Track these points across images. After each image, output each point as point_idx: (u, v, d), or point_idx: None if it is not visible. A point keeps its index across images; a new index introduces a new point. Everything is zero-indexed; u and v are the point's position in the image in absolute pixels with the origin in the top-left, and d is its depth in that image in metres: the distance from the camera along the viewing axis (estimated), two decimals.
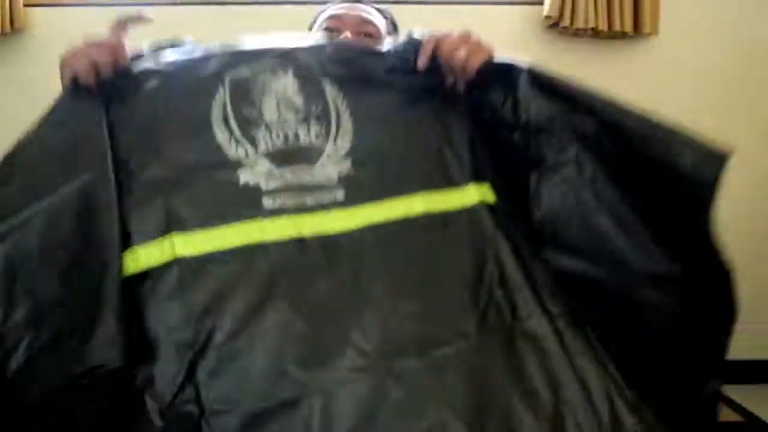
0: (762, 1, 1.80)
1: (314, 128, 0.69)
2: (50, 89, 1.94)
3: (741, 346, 2.08)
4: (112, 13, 1.83)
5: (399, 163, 0.70)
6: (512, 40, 1.78)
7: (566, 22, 1.66)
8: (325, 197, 0.66)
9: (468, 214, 0.69)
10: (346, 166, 0.68)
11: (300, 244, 0.64)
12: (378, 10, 1.02)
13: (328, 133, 0.69)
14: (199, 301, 0.61)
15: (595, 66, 1.80)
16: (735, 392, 1.90)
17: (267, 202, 0.65)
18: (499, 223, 0.69)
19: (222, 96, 0.68)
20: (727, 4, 1.79)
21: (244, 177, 0.66)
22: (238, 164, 0.66)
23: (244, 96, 0.69)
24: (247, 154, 0.67)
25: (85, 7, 1.73)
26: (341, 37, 0.93)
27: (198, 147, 0.67)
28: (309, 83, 0.70)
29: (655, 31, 1.70)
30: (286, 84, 0.70)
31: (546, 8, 1.68)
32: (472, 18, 1.76)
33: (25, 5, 1.67)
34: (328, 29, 0.96)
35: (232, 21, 1.74)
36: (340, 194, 0.67)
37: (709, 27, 1.80)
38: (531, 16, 1.77)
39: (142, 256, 0.63)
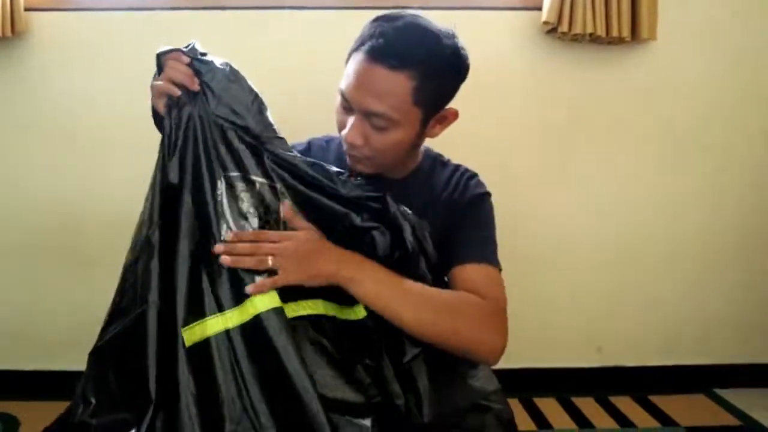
0: (758, 7, 1.81)
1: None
2: (50, 93, 1.96)
3: (740, 351, 2.10)
4: (113, 19, 1.85)
5: None
6: (510, 45, 1.80)
7: (564, 27, 1.66)
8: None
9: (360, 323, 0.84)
10: None
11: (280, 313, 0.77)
12: (404, 60, 0.83)
13: None
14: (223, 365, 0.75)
15: (593, 71, 1.82)
16: (734, 396, 1.90)
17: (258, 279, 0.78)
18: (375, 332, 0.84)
19: (221, 191, 0.81)
20: (724, 10, 1.80)
21: None
22: None
23: (233, 193, 0.82)
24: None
25: (86, 12, 1.73)
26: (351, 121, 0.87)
27: (214, 235, 0.79)
28: (271, 196, 0.84)
29: (653, 36, 1.71)
30: (253, 195, 0.82)
31: (544, 14, 1.68)
32: (471, 23, 1.77)
33: (26, 9, 1.68)
34: (343, 107, 0.90)
35: (232, 25, 1.75)
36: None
37: (706, 32, 1.81)
38: (529, 21, 1.78)
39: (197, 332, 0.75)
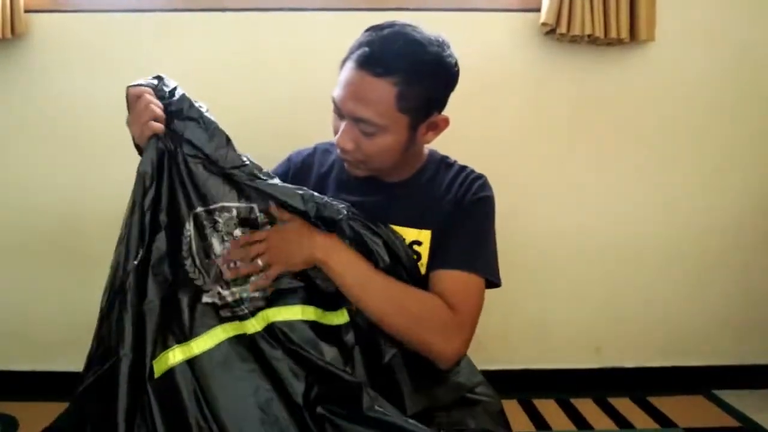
0: (756, 7, 1.81)
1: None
2: (50, 95, 1.96)
3: (739, 352, 2.10)
4: (112, 20, 1.85)
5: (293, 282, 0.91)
6: (510, 46, 1.80)
7: (563, 29, 1.66)
8: (248, 307, 0.86)
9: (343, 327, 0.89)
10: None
11: (240, 339, 0.83)
12: (387, 68, 0.86)
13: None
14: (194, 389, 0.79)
15: (592, 72, 1.82)
16: (733, 397, 1.90)
17: (222, 313, 0.84)
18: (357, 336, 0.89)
19: (189, 230, 0.86)
20: (722, 11, 1.80)
21: (205, 298, 0.84)
22: (200, 289, 0.84)
23: (201, 230, 0.87)
24: (204, 282, 0.85)
25: (85, 13, 1.73)
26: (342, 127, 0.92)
27: (179, 274, 0.84)
28: (248, 216, 0.90)
29: (651, 37, 1.71)
30: (231, 219, 0.88)
31: (543, 15, 1.68)
32: (470, 25, 1.78)
33: (26, 11, 1.68)
34: (335, 113, 0.94)
35: (232, 27, 1.75)
36: (261, 303, 0.87)
37: (704, 33, 1.81)
38: (528, 22, 1.78)
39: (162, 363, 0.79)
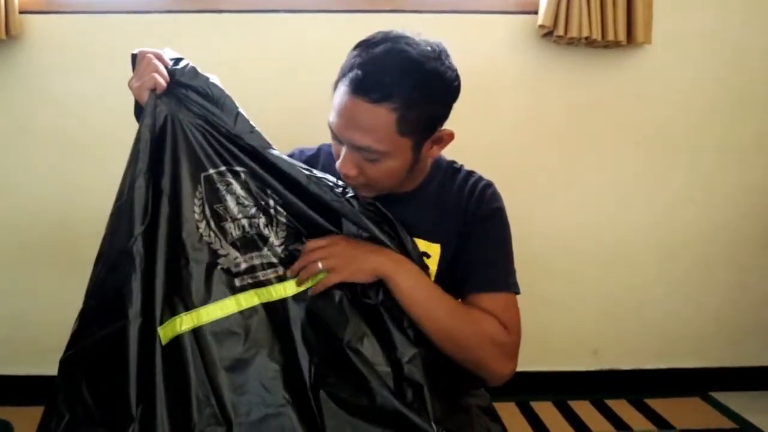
0: (752, 10, 1.82)
1: (261, 220, 0.87)
2: (45, 96, 1.95)
3: (735, 354, 2.11)
4: (108, 21, 1.84)
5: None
6: (507, 49, 1.80)
7: (560, 31, 1.66)
8: (271, 273, 0.84)
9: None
10: (282, 249, 0.87)
11: (263, 308, 0.82)
12: (384, 93, 0.81)
13: (270, 224, 0.87)
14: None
15: (588, 75, 1.82)
16: (729, 399, 1.91)
17: (237, 282, 0.82)
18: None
19: (201, 192, 0.83)
20: (718, 14, 1.81)
21: (221, 263, 0.82)
22: (215, 253, 0.82)
23: (214, 192, 0.84)
24: (221, 245, 0.83)
25: (81, 15, 1.73)
26: (342, 154, 0.87)
27: (189, 240, 0.82)
28: (259, 182, 0.87)
29: (648, 40, 1.72)
30: (241, 184, 0.86)
31: (540, 18, 1.69)
32: (467, 27, 1.78)
33: (21, 12, 1.67)
34: (334, 139, 0.90)
35: (228, 29, 1.74)
36: (281, 270, 0.85)
37: (700, 36, 1.82)
38: (525, 25, 1.78)
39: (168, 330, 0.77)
